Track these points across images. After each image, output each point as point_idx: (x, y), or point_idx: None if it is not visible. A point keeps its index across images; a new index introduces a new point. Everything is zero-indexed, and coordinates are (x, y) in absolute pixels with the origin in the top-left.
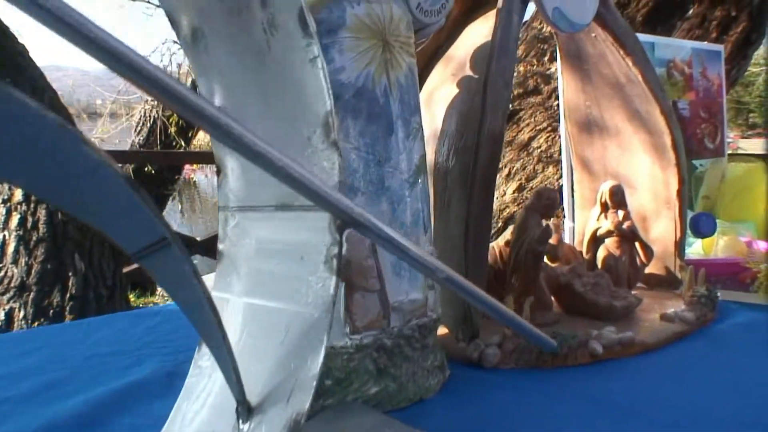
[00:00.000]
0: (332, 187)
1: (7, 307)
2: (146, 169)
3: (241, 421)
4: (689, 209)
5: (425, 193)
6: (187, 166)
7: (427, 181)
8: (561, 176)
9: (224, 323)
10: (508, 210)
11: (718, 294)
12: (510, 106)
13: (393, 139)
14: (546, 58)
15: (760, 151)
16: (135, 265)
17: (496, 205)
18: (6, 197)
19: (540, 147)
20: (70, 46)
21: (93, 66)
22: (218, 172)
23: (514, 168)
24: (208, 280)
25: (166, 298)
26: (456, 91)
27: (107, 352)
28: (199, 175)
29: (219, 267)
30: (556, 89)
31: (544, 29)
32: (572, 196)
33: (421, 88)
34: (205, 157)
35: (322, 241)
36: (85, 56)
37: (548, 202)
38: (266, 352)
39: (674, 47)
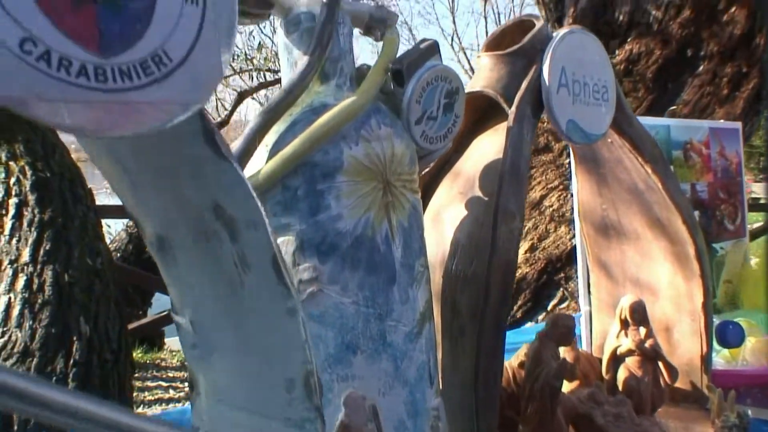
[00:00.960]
0: None
1: None
2: None
3: None
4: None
5: (431, 342)
6: None
7: (432, 328)
8: (573, 236)
9: None
10: (519, 271)
11: (749, 413)
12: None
13: (395, 289)
14: None
15: None
16: (142, 321)
17: None
18: (14, 257)
19: (552, 206)
20: None
21: None
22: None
23: (526, 227)
24: None
25: (174, 354)
26: (465, 212)
27: None
28: None
29: None
30: (567, 147)
31: None
32: (588, 287)
33: (427, 204)
34: None
35: None
36: None
37: (564, 330)
38: None
39: (690, 128)
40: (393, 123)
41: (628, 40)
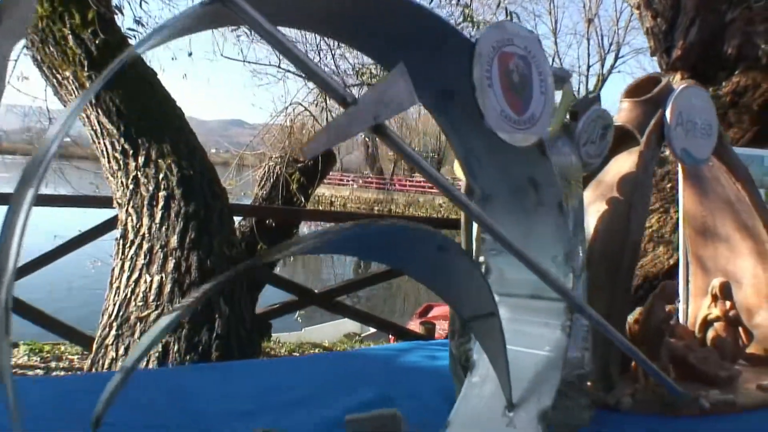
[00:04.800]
0: (570, 289)
1: (163, 341)
2: (267, 222)
3: (507, 410)
4: None
5: (586, 283)
6: None
7: (586, 275)
8: (671, 256)
9: None
10: None
11: None
12: None
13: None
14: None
15: None
16: (259, 310)
17: None
18: (163, 243)
19: (652, 227)
20: (190, 98)
21: (209, 117)
22: (486, 272)
23: None
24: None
25: (282, 344)
26: (605, 207)
27: (329, 380)
28: (303, 228)
29: None
30: (668, 172)
31: None
32: (686, 284)
33: None
34: (321, 216)
35: (560, 318)
36: (202, 109)
37: (670, 291)
38: (521, 374)
39: None
40: (571, 145)
41: (736, 72)
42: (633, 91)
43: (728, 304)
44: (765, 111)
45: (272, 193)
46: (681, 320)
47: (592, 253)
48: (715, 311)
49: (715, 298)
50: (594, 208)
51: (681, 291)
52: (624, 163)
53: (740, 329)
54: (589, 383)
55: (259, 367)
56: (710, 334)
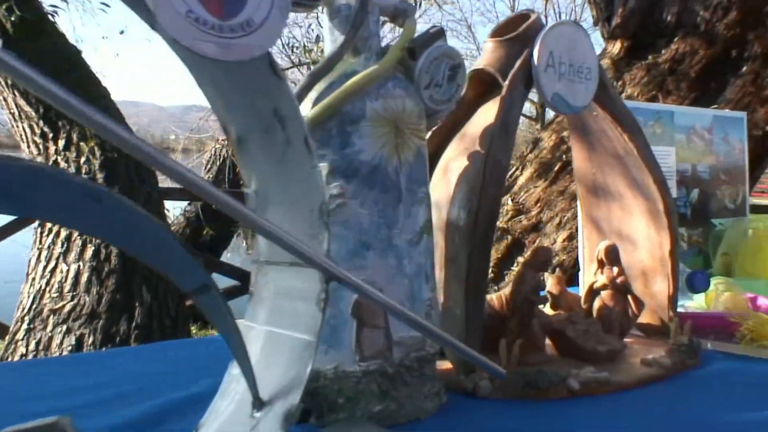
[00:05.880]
0: (322, 253)
1: (77, 333)
2: (213, 206)
3: (255, 411)
4: (708, 266)
5: (428, 250)
6: None
7: (431, 240)
8: None
9: (250, 344)
10: (557, 258)
11: (708, 345)
12: (563, 157)
13: (401, 206)
14: None
15: None
16: None
17: None
18: None
19: None
20: (148, 83)
21: (168, 103)
22: (253, 235)
23: (566, 218)
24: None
25: None
26: (467, 163)
27: (171, 371)
28: None
29: (250, 303)
30: None
31: None
32: (583, 249)
33: (439, 160)
34: None
35: (316, 289)
36: (162, 94)
37: (543, 258)
38: (275, 363)
39: (694, 115)
40: (406, 87)
41: (675, 39)
42: (500, 31)
43: (616, 269)
44: (702, 77)
45: (219, 176)
46: (580, 289)
47: (452, 216)
48: (602, 278)
49: (601, 263)
50: (456, 164)
51: (581, 259)
52: (489, 112)
53: (629, 298)
54: (451, 366)
55: (100, 359)
56: (596, 303)
